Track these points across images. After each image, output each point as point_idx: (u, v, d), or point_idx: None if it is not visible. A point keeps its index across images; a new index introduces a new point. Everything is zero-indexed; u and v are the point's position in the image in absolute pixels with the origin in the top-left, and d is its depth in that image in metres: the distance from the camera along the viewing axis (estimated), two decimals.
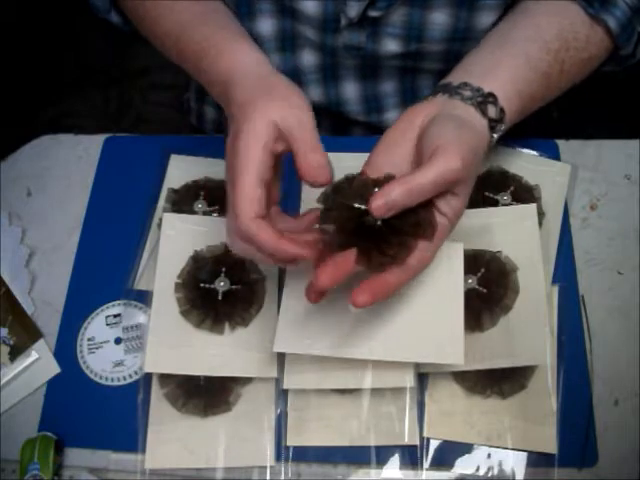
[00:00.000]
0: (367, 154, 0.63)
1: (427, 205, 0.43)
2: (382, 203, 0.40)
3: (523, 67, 0.50)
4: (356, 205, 0.42)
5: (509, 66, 0.50)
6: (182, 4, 0.54)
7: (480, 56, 0.53)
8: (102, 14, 0.62)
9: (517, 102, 0.49)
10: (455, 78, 0.50)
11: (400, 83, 0.66)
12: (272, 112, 0.43)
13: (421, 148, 0.45)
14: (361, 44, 0.59)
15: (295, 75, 0.65)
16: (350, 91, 0.67)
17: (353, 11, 0.55)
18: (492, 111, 0.47)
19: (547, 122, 0.77)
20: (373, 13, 0.55)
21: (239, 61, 0.49)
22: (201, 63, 0.51)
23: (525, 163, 0.62)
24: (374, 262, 0.42)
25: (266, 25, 0.60)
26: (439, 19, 0.56)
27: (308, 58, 0.64)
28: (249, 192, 0.42)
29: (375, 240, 0.42)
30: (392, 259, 0.42)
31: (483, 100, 0.47)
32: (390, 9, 0.55)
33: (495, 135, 0.47)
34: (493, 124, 0.47)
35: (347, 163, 0.63)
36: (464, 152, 0.42)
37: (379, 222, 0.42)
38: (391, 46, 0.59)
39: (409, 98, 0.68)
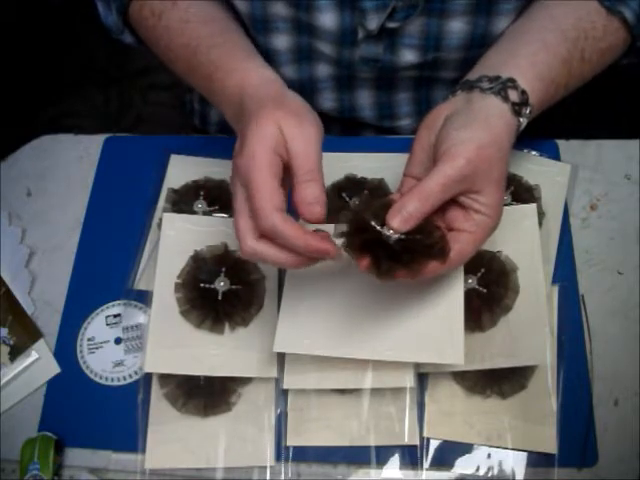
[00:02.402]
0: (373, 154, 0.64)
1: (440, 229, 0.44)
2: (399, 219, 0.42)
3: (541, 52, 0.50)
4: (372, 223, 0.42)
5: (526, 53, 0.50)
6: (192, 28, 0.54)
7: (496, 50, 0.53)
8: (115, 35, 0.62)
9: (539, 85, 0.49)
10: (473, 74, 0.50)
11: (415, 92, 0.66)
12: (280, 120, 0.43)
13: (435, 153, 0.46)
14: (378, 56, 0.59)
15: (309, 83, 0.65)
16: (364, 99, 0.67)
17: (373, 23, 0.55)
18: (514, 95, 0.47)
19: (547, 122, 0.77)
20: (391, 24, 0.55)
21: (250, 78, 0.49)
22: (213, 85, 0.51)
23: (525, 163, 0.62)
24: (383, 268, 0.42)
25: (282, 41, 0.60)
26: (456, 27, 0.56)
27: (323, 70, 0.64)
28: (267, 186, 0.41)
29: (388, 253, 0.42)
30: (403, 266, 0.42)
31: (503, 86, 0.47)
32: (408, 20, 0.55)
33: (522, 119, 0.48)
34: (517, 107, 0.47)
35: (354, 163, 0.64)
36: (469, 151, 0.43)
37: (393, 240, 0.42)
38: (408, 56, 0.59)
39: (424, 107, 0.68)
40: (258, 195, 0.41)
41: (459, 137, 0.44)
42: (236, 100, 0.48)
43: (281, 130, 0.42)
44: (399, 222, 0.41)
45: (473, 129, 0.45)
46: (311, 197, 0.42)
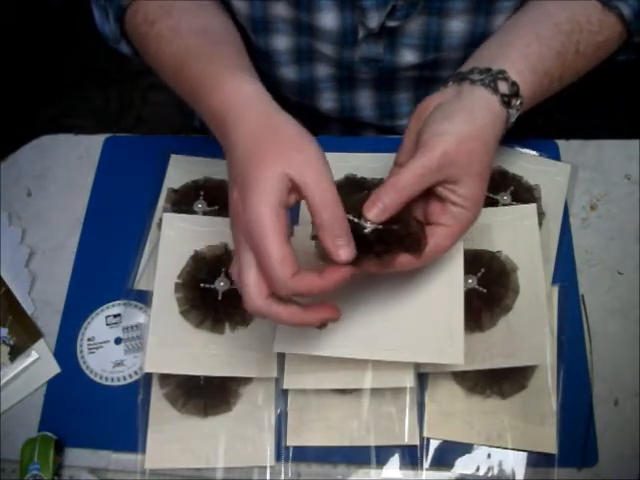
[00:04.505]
0: (373, 154, 0.64)
1: (419, 222, 0.44)
2: (375, 210, 0.42)
3: (534, 44, 0.50)
4: (350, 216, 0.42)
5: (519, 45, 0.50)
6: (181, 38, 0.53)
7: (490, 43, 0.53)
8: (112, 44, 0.62)
9: (531, 77, 0.49)
10: (466, 66, 0.50)
11: (415, 92, 0.66)
12: (284, 164, 0.40)
13: (417, 143, 0.46)
14: (379, 56, 0.59)
15: (310, 84, 0.65)
16: (364, 99, 0.67)
17: (374, 21, 0.55)
18: (503, 86, 0.47)
19: (547, 122, 0.77)
20: (391, 23, 0.55)
21: (233, 97, 0.45)
22: (197, 97, 0.49)
23: (525, 163, 0.62)
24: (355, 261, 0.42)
25: (282, 42, 0.60)
26: (456, 27, 0.56)
27: (323, 70, 0.64)
28: (279, 253, 0.39)
29: (360, 245, 0.42)
30: (375, 256, 0.43)
31: (493, 78, 0.47)
32: (408, 19, 0.55)
33: (512, 111, 0.47)
34: (506, 99, 0.47)
35: (354, 163, 0.64)
36: (447, 143, 0.43)
37: (367, 230, 0.42)
38: (409, 57, 0.59)
39: None
40: (272, 264, 0.39)
41: (440, 129, 0.44)
42: (220, 123, 0.46)
43: (285, 173, 0.40)
44: (375, 213, 0.42)
45: (455, 121, 0.45)
46: (339, 239, 0.40)
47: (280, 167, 0.40)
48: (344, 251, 0.40)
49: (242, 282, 0.42)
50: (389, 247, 0.43)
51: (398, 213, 0.43)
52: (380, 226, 0.42)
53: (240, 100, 0.45)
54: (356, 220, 0.42)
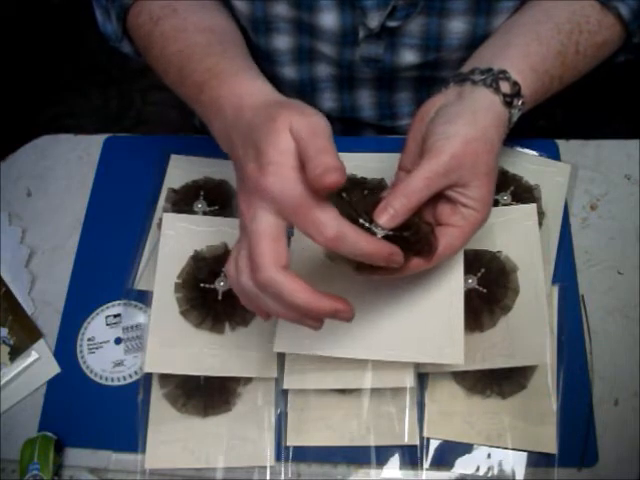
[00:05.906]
0: (373, 154, 0.64)
1: (429, 224, 0.44)
2: (387, 216, 0.41)
3: (534, 44, 0.50)
4: (361, 220, 0.42)
5: (519, 44, 0.50)
6: (186, 36, 0.53)
7: (489, 44, 0.53)
8: (114, 43, 0.62)
9: (532, 76, 0.49)
10: (466, 67, 0.50)
11: (416, 92, 0.66)
12: (290, 119, 0.39)
13: (422, 147, 0.46)
14: (379, 56, 0.59)
15: (310, 84, 0.65)
16: (364, 99, 0.67)
17: (374, 22, 0.55)
18: (505, 86, 0.47)
19: (547, 122, 0.77)
20: (392, 23, 0.55)
21: (248, 87, 0.46)
22: (203, 95, 0.49)
23: (525, 163, 0.62)
24: (363, 264, 0.42)
25: (283, 42, 0.60)
26: (457, 27, 0.56)
27: (324, 70, 0.64)
28: (272, 229, 0.37)
29: None
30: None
31: (494, 78, 0.47)
32: (408, 19, 0.55)
33: (514, 111, 0.47)
34: (508, 99, 0.47)
35: (354, 163, 0.64)
36: (453, 146, 0.43)
37: (378, 236, 0.42)
38: (409, 57, 0.59)
39: None
40: (257, 241, 0.38)
41: (445, 132, 0.44)
42: (230, 111, 0.45)
43: (290, 128, 0.39)
44: (386, 219, 0.41)
45: (459, 123, 0.44)
46: (326, 165, 0.36)
47: (288, 123, 0.38)
48: (332, 175, 0.36)
49: (255, 252, 0.38)
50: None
51: (408, 219, 0.43)
52: (391, 232, 0.42)
53: (253, 91, 0.45)
54: (367, 225, 0.42)
